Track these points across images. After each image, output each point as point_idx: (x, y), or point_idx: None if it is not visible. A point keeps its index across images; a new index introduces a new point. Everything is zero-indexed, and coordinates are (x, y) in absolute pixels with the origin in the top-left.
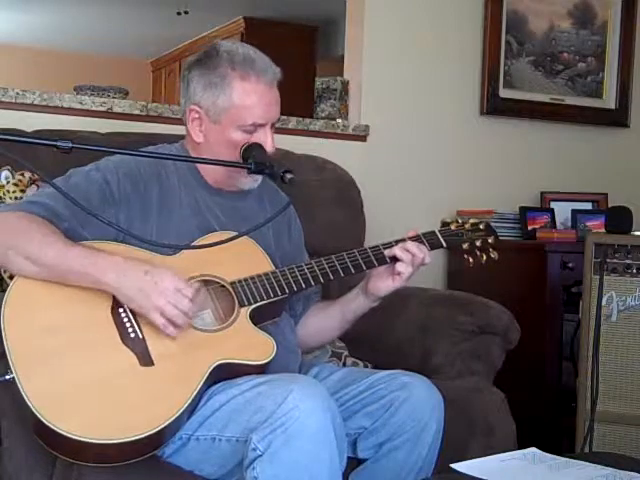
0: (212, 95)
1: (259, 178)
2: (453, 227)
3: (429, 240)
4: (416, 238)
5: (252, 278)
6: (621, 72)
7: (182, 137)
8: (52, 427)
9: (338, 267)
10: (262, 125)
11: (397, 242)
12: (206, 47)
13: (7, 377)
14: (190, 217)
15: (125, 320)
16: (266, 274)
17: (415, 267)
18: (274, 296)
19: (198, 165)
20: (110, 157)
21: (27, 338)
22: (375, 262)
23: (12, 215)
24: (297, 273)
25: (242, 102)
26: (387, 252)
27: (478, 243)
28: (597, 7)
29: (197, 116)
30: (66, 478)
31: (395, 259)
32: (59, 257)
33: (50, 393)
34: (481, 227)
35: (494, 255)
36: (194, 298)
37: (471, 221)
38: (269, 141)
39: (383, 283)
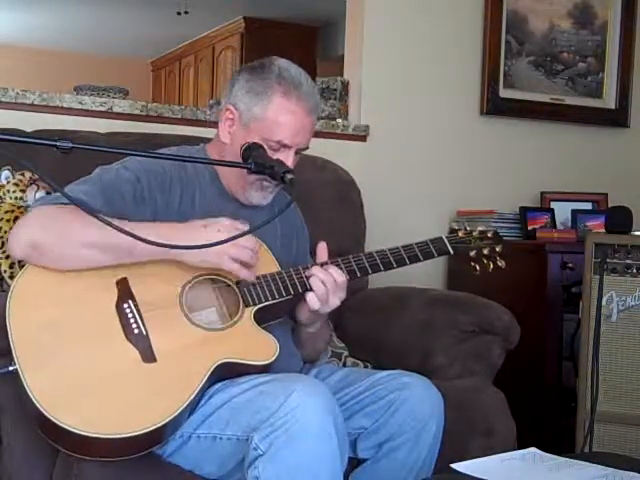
0: (250, 101)
1: (269, 197)
2: (461, 234)
3: (436, 246)
4: (421, 245)
5: (258, 278)
6: (621, 72)
7: (184, 137)
8: (53, 420)
9: (344, 269)
10: (287, 146)
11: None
12: (265, 58)
13: (10, 368)
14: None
15: (130, 316)
16: (272, 275)
17: (330, 297)
18: (279, 297)
19: (219, 171)
20: (135, 157)
21: (32, 331)
22: (381, 266)
23: (51, 208)
24: (303, 275)
25: (275, 117)
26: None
27: (485, 251)
28: (597, 7)
29: (231, 116)
30: (66, 476)
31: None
32: (120, 235)
33: (53, 386)
34: (489, 235)
35: (501, 264)
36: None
37: (479, 229)
38: (289, 165)
39: (302, 309)
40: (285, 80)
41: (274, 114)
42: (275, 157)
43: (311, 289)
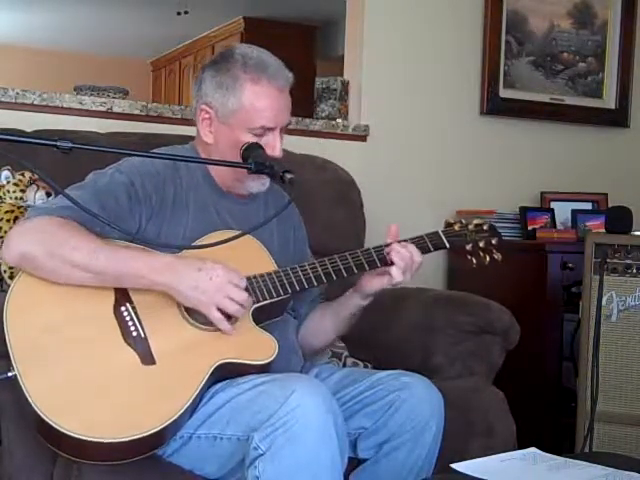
0: (223, 96)
1: (266, 182)
2: (456, 228)
3: (432, 241)
4: (417, 240)
5: (255, 277)
6: (621, 72)
7: (184, 137)
8: (54, 425)
9: (341, 267)
10: (271, 129)
11: (399, 242)
12: (223, 49)
13: (9, 374)
14: (199, 219)
15: (127, 318)
16: (269, 274)
17: (409, 273)
18: (277, 296)
19: (210, 168)
20: (128, 158)
21: (30, 336)
22: (378, 262)
23: (48, 221)
24: (300, 273)
25: (252, 105)
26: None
27: (481, 244)
28: (597, 7)
29: (207, 116)
30: (66, 477)
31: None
32: (110, 263)
33: (52, 391)
34: (485, 228)
35: (497, 256)
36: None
37: (475, 222)
38: (277, 145)
39: (377, 281)
40: (250, 66)
41: (250, 102)
42: (263, 142)
43: (392, 263)
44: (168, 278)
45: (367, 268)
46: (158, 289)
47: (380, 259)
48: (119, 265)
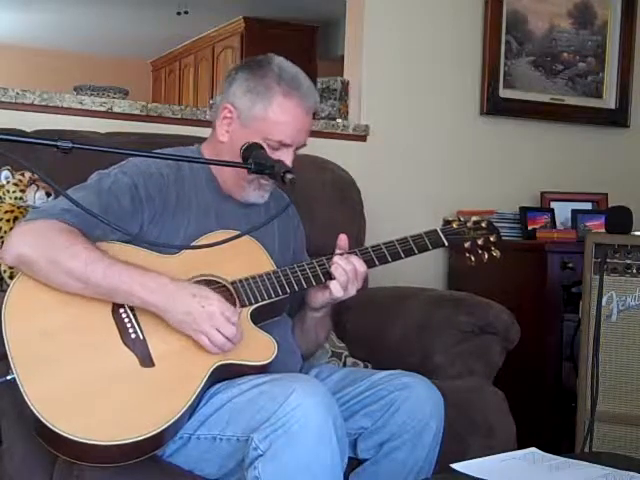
0: (250, 100)
1: (266, 195)
2: (455, 225)
3: (430, 239)
4: (416, 238)
5: (253, 278)
6: (621, 72)
7: (184, 137)
8: (52, 428)
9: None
10: (287, 145)
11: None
12: (260, 56)
13: (8, 377)
14: (200, 221)
15: (126, 321)
16: (267, 274)
17: (353, 286)
18: (275, 296)
19: (214, 171)
20: (132, 159)
21: (28, 339)
22: (376, 261)
23: (49, 225)
24: (298, 272)
25: (277, 118)
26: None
27: (480, 241)
28: (597, 7)
29: (229, 115)
30: (66, 478)
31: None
32: (105, 276)
33: (51, 394)
34: (483, 225)
35: (496, 253)
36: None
37: (473, 219)
38: (288, 163)
39: (320, 295)
40: (285, 81)
41: (275, 115)
42: (275, 155)
43: (333, 277)
44: (161, 300)
45: (313, 283)
46: (150, 309)
47: (379, 257)
48: (114, 280)
